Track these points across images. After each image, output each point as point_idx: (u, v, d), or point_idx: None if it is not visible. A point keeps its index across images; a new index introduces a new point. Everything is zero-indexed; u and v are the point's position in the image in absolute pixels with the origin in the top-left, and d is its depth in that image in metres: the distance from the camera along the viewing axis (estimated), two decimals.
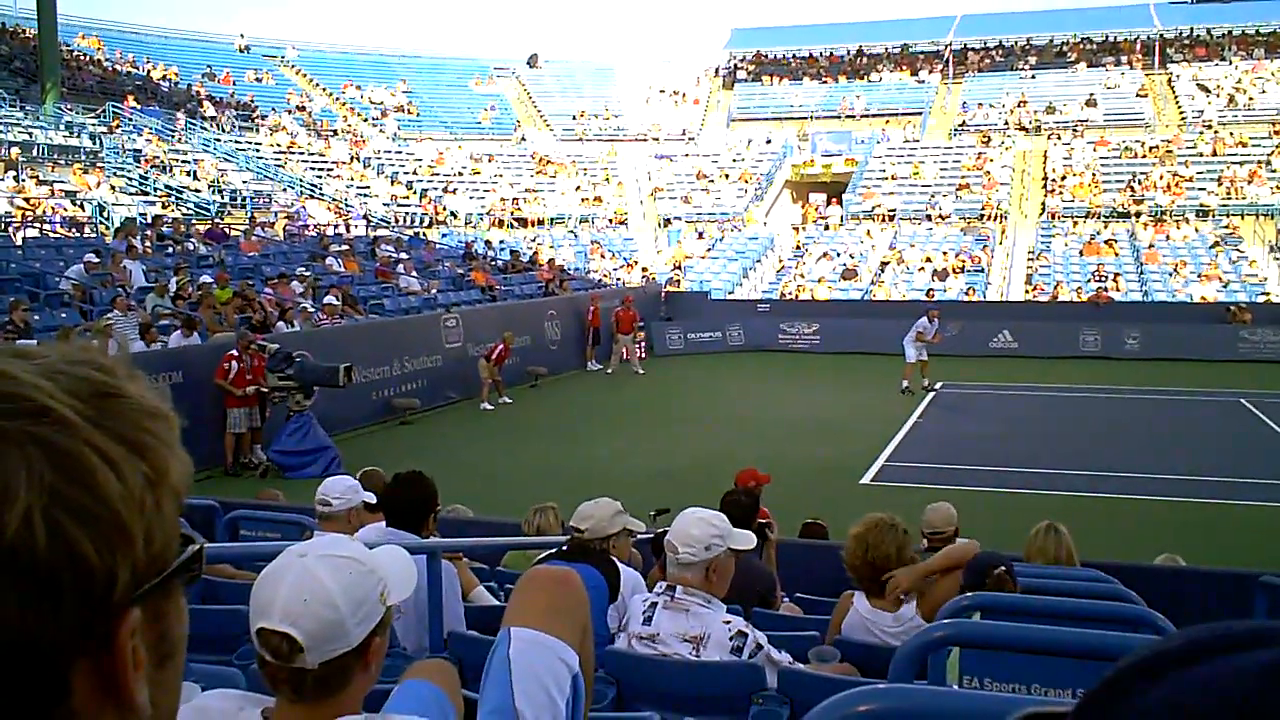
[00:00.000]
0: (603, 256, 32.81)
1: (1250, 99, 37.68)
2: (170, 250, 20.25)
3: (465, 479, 11.41)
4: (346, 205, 32.23)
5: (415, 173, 37.21)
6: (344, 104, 41.99)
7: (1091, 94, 39.73)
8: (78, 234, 21.68)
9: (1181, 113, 38.39)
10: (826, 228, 34.49)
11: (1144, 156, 34.67)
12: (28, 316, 13.73)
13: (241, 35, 44.84)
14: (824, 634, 4.04)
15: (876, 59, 46.17)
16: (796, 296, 29.23)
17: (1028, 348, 24.38)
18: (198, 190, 28.36)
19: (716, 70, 47.66)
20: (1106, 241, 30.10)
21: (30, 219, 21.66)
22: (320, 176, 33.93)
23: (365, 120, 41.05)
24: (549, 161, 39.87)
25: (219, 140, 32.92)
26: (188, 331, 14.22)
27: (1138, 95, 39.97)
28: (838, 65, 46.42)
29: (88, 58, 37.11)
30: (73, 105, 30.86)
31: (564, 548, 3.55)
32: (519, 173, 39.04)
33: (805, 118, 41.76)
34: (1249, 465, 13.32)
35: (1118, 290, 27.45)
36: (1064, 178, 34.17)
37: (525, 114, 45.45)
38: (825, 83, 45.13)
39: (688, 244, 33.86)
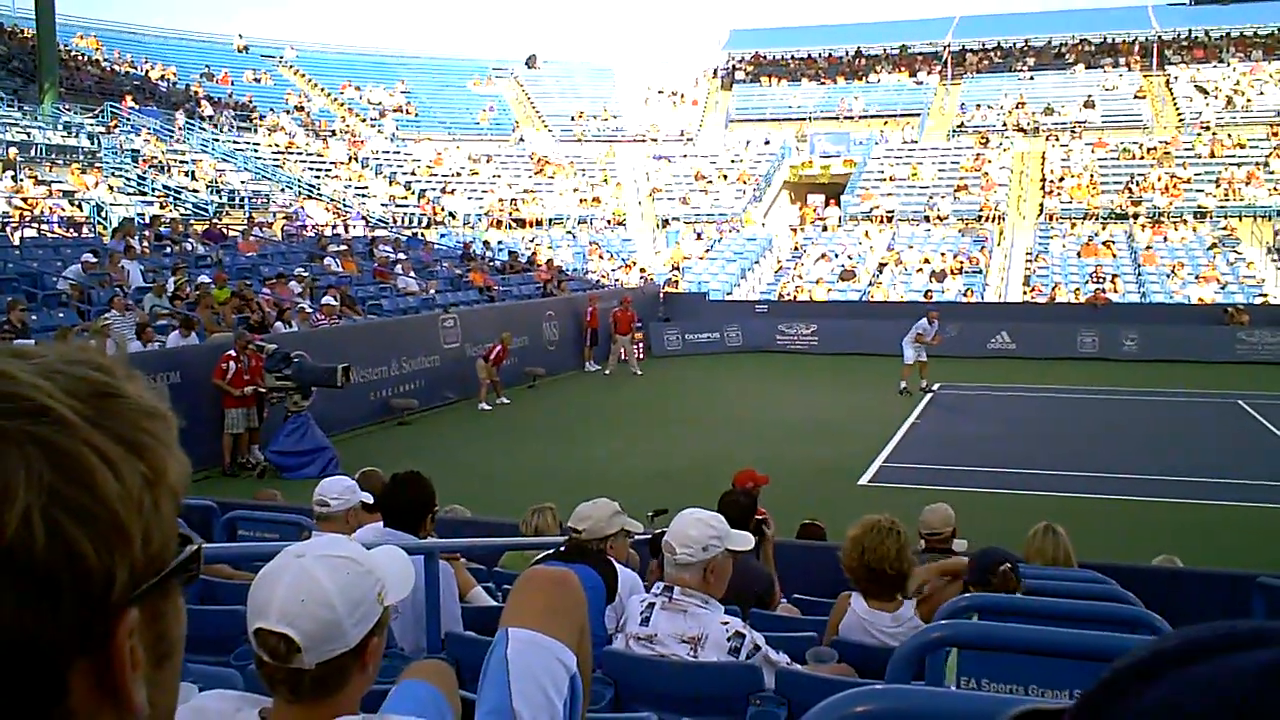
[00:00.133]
0: (601, 257, 32.81)
1: (1248, 100, 37.73)
2: (168, 250, 20.24)
3: (463, 479, 11.40)
4: (345, 205, 32.22)
5: (413, 173, 37.19)
6: (342, 104, 41.98)
7: (1089, 95, 39.78)
8: (75, 234, 21.67)
9: (1179, 114, 38.44)
10: (824, 229, 34.51)
11: (1142, 158, 34.71)
12: (25, 316, 13.72)
13: (240, 35, 44.86)
14: (822, 635, 4.04)
15: (875, 60, 46.21)
16: (794, 297, 29.24)
17: (1025, 349, 24.40)
18: (196, 190, 28.34)
19: (715, 71, 47.68)
20: (1104, 243, 30.13)
21: (28, 219, 21.65)
22: (318, 177, 33.92)
23: (363, 120, 41.05)
24: (547, 162, 39.86)
25: (217, 140, 32.92)
26: (185, 332, 14.21)
27: (1136, 97, 40.02)
28: (836, 66, 46.46)
29: (86, 58, 37.10)
30: (71, 105, 30.86)
31: (562, 548, 3.55)
32: (517, 173, 39.03)
33: (803, 119, 41.78)
34: (1246, 466, 13.33)
35: (1115, 291, 27.47)
36: (1062, 179, 34.20)
37: (523, 114, 45.45)
38: (823, 84, 45.17)
39: (686, 245, 33.87)
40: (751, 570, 4.64)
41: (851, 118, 41.44)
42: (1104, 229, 31.26)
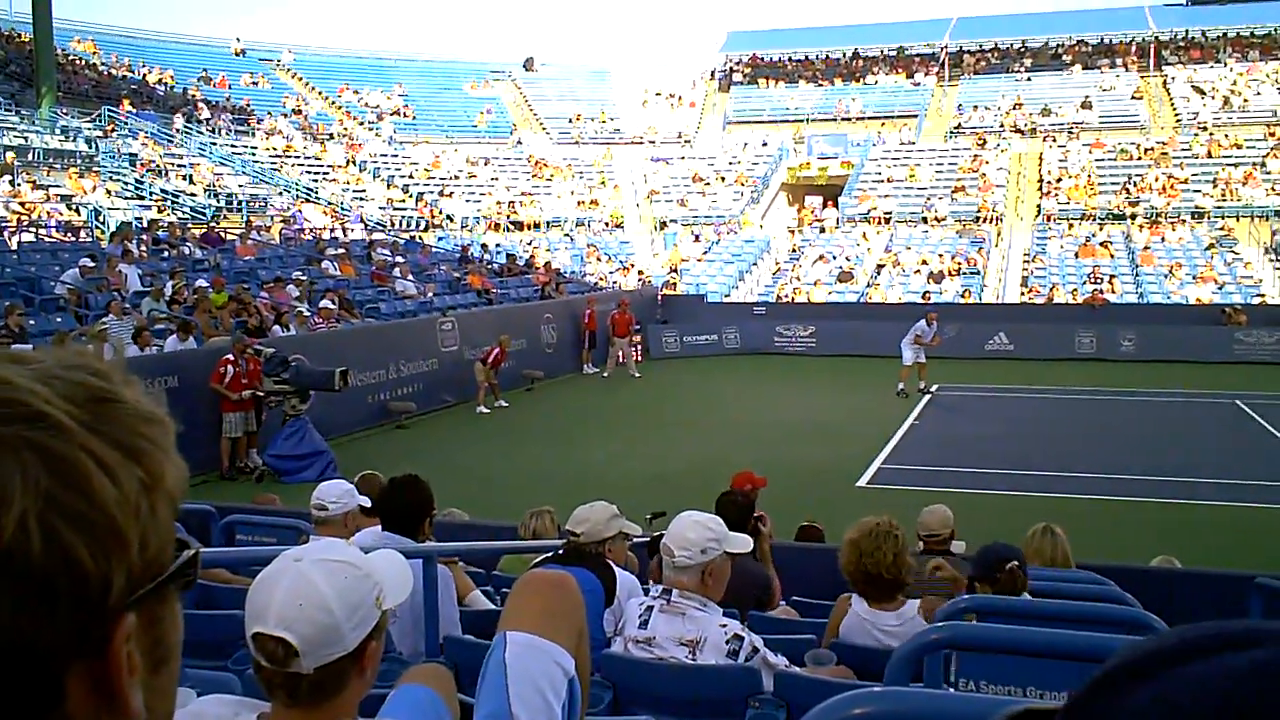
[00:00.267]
0: (599, 260, 32.80)
1: (1245, 101, 37.78)
2: (166, 254, 20.23)
3: (461, 482, 11.39)
4: (342, 209, 32.23)
5: (411, 176, 37.19)
6: (340, 108, 41.99)
7: (1087, 96, 39.81)
8: (73, 238, 21.65)
9: (1176, 115, 38.48)
10: (822, 230, 34.52)
11: (1139, 158, 34.74)
12: (23, 321, 13.70)
13: (237, 39, 44.91)
14: (821, 637, 4.04)
15: (872, 62, 46.24)
16: (792, 299, 29.25)
17: (1023, 350, 24.41)
18: (193, 194, 28.34)
19: (712, 73, 47.71)
20: (1102, 243, 30.15)
21: (25, 223, 21.63)
22: (316, 180, 33.92)
23: (361, 124, 41.05)
24: (545, 165, 39.86)
25: (215, 144, 32.92)
26: (183, 336, 14.20)
27: (1133, 97, 40.07)
28: (833, 68, 46.51)
29: (83, 61, 37.10)
30: (68, 109, 30.87)
31: (560, 551, 3.56)
32: (515, 176, 39.03)
33: (801, 120, 41.80)
34: (1244, 467, 13.33)
35: (1113, 292, 27.49)
36: (1059, 180, 34.23)
37: (521, 117, 45.46)
38: (821, 85, 45.20)
39: (684, 247, 33.87)
40: (750, 572, 4.63)
41: (849, 119, 41.46)
42: (1101, 230, 31.28)
